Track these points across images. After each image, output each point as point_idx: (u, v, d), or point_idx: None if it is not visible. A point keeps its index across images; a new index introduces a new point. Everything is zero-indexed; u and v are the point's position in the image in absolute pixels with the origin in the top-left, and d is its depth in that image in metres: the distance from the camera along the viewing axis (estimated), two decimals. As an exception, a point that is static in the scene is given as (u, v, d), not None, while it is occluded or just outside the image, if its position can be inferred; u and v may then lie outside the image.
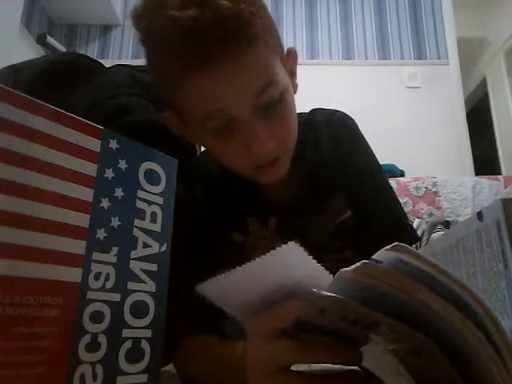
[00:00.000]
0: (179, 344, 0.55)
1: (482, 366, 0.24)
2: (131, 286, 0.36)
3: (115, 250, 0.36)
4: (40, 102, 0.32)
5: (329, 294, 0.26)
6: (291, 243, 0.29)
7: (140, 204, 0.38)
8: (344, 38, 2.88)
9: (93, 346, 0.33)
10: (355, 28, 2.90)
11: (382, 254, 0.26)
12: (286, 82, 0.56)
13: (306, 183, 0.66)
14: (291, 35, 2.87)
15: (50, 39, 2.33)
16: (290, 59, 0.61)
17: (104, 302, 0.34)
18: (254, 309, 0.35)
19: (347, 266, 0.25)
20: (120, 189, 0.37)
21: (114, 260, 0.35)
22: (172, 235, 0.41)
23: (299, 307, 0.29)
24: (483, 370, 0.24)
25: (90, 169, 0.35)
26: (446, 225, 1.40)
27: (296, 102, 0.59)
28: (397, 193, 0.85)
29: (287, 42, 2.53)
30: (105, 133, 0.36)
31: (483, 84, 3.39)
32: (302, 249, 0.30)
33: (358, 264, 0.25)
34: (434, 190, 1.86)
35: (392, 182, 0.70)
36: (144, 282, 0.37)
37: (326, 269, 0.32)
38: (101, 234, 0.35)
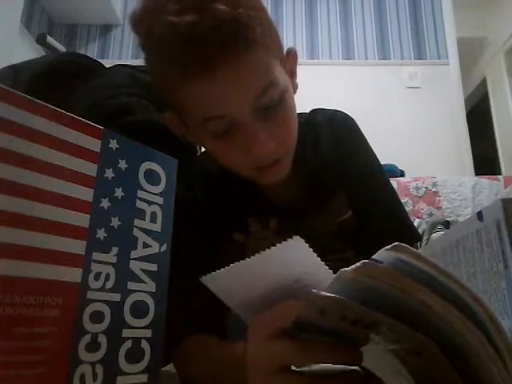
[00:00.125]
0: (179, 344, 0.55)
1: (482, 366, 0.24)
2: (131, 285, 0.36)
3: (115, 250, 0.36)
4: (40, 102, 0.32)
5: (328, 294, 0.26)
6: (296, 238, 0.29)
7: (140, 204, 0.38)
8: (344, 38, 2.88)
9: (93, 346, 0.33)
10: (355, 28, 2.90)
11: (382, 254, 0.25)
12: (286, 83, 0.56)
13: (306, 183, 0.66)
14: (291, 35, 2.87)
15: (50, 39, 2.33)
16: (290, 59, 0.61)
17: (104, 302, 0.34)
18: (255, 308, 0.35)
19: (348, 266, 0.25)
20: (120, 189, 0.37)
21: (113, 260, 0.35)
22: (172, 235, 0.41)
23: (299, 307, 0.29)
24: (483, 370, 0.24)
25: (90, 169, 0.35)
26: (446, 225, 1.40)
27: (296, 103, 0.59)
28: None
29: (287, 42, 2.53)
30: (105, 133, 0.36)
31: (483, 84, 3.39)
32: (306, 244, 0.30)
33: (357, 264, 0.25)
34: (434, 190, 1.86)
35: (392, 181, 0.70)
36: (144, 282, 0.37)
37: (329, 268, 0.32)
38: (101, 234, 0.35)
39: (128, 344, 0.35)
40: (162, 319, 0.39)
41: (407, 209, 1.71)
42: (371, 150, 0.70)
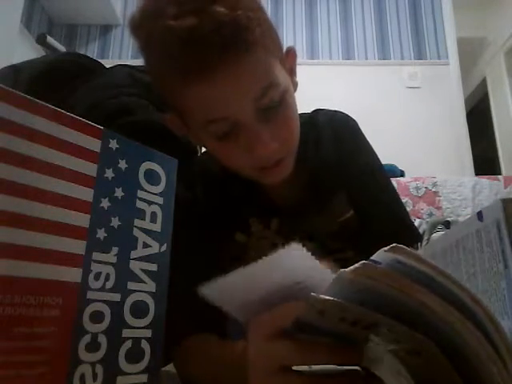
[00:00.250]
0: (179, 344, 0.55)
1: (482, 366, 0.24)
2: (131, 286, 0.36)
3: (115, 250, 0.36)
4: (40, 102, 0.32)
5: (327, 297, 0.26)
6: (294, 245, 0.29)
7: (140, 204, 0.38)
8: (344, 38, 2.88)
9: (93, 346, 0.33)
10: (355, 28, 2.90)
11: (381, 255, 0.25)
12: (287, 83, 0.56)
13: (307, 183, 0.66)
14: (291, 35, 2.87)
15: (50, 39, 2.33)
16: (289, 58, 0.61)
17: (104, 302, 0.34)
18: (255, 309, 0.35)
19: (348, 267, 0.25)
20: (120, 189, 0.37)
21: (114, 260, 0.35)
22: (172, 235, 0.41)
23: (299, 308, 0.29)
24: (483, 370, 0.24)
25: (90, 169, 0.35)
26: (447, 225, 1.40)
27: (296, 103, 0.59)
28: (397, 193, 0.85)
29: (287, 42, 2.52)
30: (105, 133, 0.36)
31: (483, 84, 3.39)
32: (305, 250, 0.30)
33: (356, 265, 0.25)
34: (434, 190, 1.86)
35: (392, 182, 0.70)
36: (144, 282, 0.37)
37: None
38: (101, 233, 0.35)
39: (128, 344, 0.35)
40: (162, 319, 0.39)
41: (407, 209, 1.71)
42: (372, 150, 0.70)
